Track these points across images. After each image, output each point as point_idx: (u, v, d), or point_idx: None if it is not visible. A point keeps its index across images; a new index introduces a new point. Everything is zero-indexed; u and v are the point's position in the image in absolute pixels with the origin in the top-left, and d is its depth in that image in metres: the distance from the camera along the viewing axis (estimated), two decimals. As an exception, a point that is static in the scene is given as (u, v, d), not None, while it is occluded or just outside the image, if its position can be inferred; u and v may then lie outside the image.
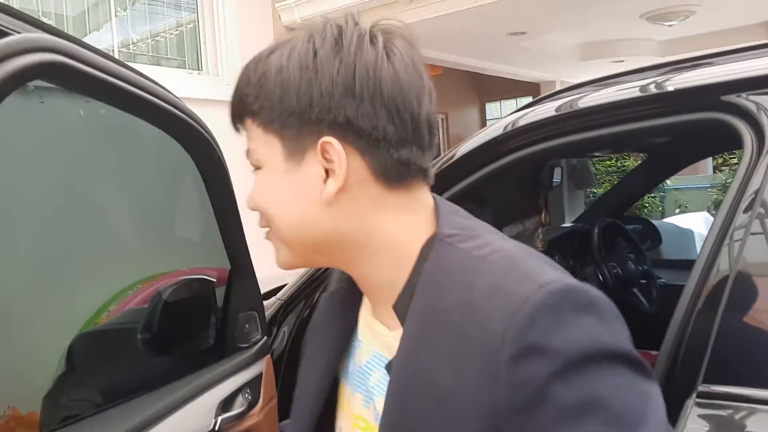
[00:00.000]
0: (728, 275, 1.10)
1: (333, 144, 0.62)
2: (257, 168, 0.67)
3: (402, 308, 0.64)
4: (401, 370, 0.63)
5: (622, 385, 0.55)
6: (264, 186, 0.66)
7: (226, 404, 1.30)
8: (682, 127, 1.61)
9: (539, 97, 1.61)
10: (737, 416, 0.98)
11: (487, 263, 0.60)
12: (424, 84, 0.66)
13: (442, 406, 0.58)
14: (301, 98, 0.62)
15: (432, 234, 0.65)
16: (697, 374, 1.05)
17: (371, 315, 0.72)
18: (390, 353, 0.66)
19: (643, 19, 5.71)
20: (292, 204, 0.64)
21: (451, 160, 1.65)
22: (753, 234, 1.11)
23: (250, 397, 1.39)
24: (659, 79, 1.33)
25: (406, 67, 0.64)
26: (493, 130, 1.56)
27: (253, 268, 1.42)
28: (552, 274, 0.58)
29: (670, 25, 5.85)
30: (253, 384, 1.44)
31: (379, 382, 0.69)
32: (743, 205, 1.10)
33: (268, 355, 1.57)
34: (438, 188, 1.69)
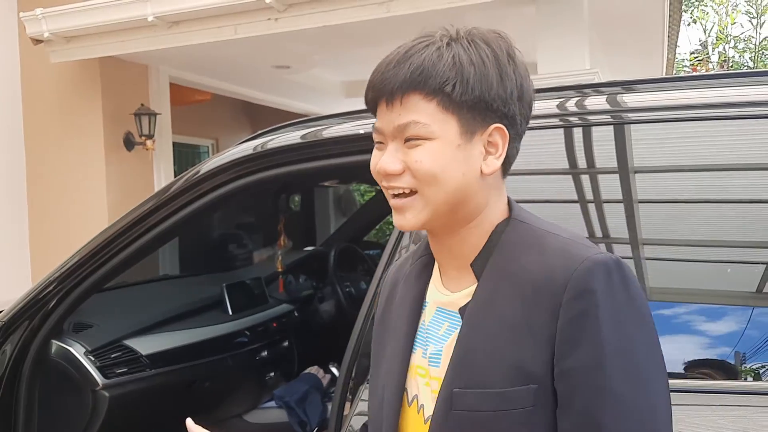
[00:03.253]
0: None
1: (504, 130, 0.80)
2: (421, 138, 0.79)
3: (479, 266, 0.83)
4: (477, 311, 0.80)
5: (647, 332, 0.77)
6: (438, 154, 0.78)
7: None
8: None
9: (282, 124, 1.71)
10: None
11: (554, 236, 0.81)
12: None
13: (512, 337, 0.77)
14: (492, 90, 0.78)
15: (507, 215, 0.85)
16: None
17: (439, 282, 0.88)
18: (454, 307, 0.84)
19: (393, 66, 6.32)
20: (461, 172, 0.79)
21: (197, 176, 1.72)
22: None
23: (-47, 418, 1.36)
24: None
25: (530, 76, 0.84)
26: (241, 150, 1.66)
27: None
28: (604, 250, 0.81)
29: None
30: (-41, 404, 1.41)
31: (446, 331, 0.85)
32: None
33: (-20, 377, 1.53)
34: (181, 202, 1.75)
